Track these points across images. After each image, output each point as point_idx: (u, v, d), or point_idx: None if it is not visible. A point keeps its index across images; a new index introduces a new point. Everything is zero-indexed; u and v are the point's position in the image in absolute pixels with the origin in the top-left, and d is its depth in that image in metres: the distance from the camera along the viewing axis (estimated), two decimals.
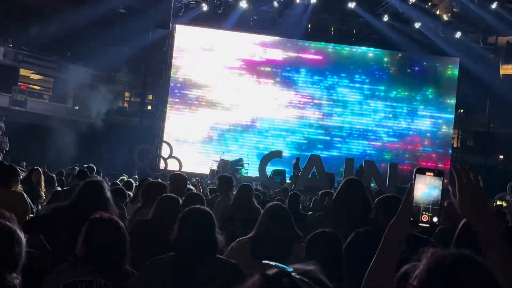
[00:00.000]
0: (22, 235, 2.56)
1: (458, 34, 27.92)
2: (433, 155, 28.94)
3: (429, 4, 28.13)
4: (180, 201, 4.53)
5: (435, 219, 1.61)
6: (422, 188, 1.62)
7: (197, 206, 3.32)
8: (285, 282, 1.16)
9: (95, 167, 9.12)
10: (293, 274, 1.19)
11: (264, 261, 1.22)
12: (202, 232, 3.09)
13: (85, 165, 9.34)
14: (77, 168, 12.86)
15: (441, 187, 1.62)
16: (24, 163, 17.69)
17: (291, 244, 3.72)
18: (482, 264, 1.29)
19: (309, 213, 8.57)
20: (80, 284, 3.00)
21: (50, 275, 3.09)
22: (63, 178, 10.67)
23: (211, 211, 3.28)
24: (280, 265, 1.21)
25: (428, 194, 1.62)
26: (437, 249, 1.32)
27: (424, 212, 1.61)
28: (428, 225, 1.61)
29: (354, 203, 4.20)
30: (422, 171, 1.64)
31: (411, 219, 1.61)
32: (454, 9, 28.32)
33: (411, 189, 1.63)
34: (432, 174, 1.63)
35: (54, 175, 10.15)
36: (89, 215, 3.23)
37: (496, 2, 25.99)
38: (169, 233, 4.16)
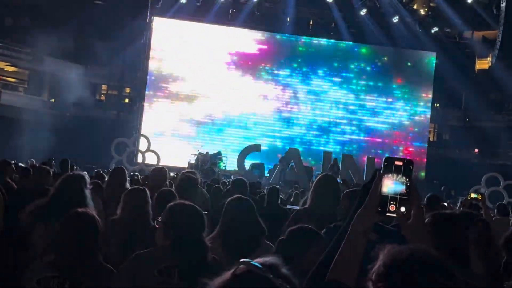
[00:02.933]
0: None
1: (434, 29, 28.18)
2: (410, 149, 29.24)
3: None
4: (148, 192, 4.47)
5: (402, 209, 1.60)
6: (391, 177, 1.62)
7: (187, 202, 3.28)
8: (252, 281, 1.24)
9: (69, 160, 8.98)
10: (262, 272, 1.25)
11: (242, 260, 1.30)
12: (193, 229, 3.08)
13: (58, 159, 9.20)
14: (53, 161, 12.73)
15: (410, 177, 1.62)
16: None
17: (259, 237, 3.73)
18: (438, 257, 1.30)
19: (287, 207, 8.60)
20: (52, 280, 2.97)
21: (26, 272, 3.06)
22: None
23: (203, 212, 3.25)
24: (254, 262, 1.27)
25: (396, 183, 1.61)
26: (393, 245, 1.33)
27: (391, 202, 1.60)
28: (395, 215, 1.61)
29: (327, 199, 4.24)
30: (390, 160, 1.64)
31: (378, 208, 1.61)
32: (431, 4, 28.56)
33: (379, 178, 1.62)
34: (401, 163, 1.62)
35: (30, 168, 9.98)
36: (66, 210, 3.19)
37: None
38: (139, 228, 4.12)
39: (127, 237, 4.05)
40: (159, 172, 6.50)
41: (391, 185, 1.61)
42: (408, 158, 1.65)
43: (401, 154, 28.35)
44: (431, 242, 1.57)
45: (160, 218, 3.13)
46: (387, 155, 1.78)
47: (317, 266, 1.85)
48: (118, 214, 4.31)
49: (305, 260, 2.61)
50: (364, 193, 1.70)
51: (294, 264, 1.57)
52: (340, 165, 23.23)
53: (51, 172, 6.57)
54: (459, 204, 8.42)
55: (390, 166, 1.63)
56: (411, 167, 1.62)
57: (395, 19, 27.60)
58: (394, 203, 1.61)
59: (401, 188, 1.61)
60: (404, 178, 1.62)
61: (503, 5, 24.01)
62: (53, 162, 12.69)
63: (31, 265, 3.12)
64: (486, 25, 28.43)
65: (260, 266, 1.27)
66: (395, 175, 1.62)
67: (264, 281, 1.24)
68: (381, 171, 1.63)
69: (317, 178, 4.52)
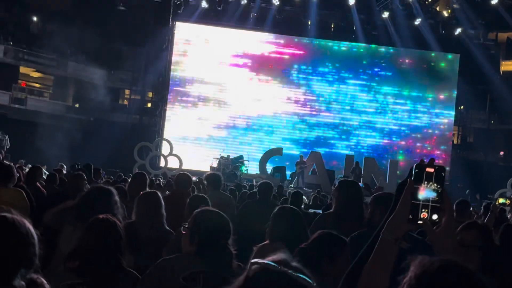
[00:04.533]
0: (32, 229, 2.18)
1: (458, 31, 27.85)
2: (434, 152, 28.91)
3: (429, 0, 28.07)
4: (161, 195, 4.51)
5: (434, 217, 1.58)
6: (422, 184, 1.60)
7: (214, 209, 3.27)
8: (268, 277, 1.28)
9: (92, 165, 9.09)
10: (275, 268, 1.28)
11: (253, 260, 1.32)
12: (221, 236, 3.08)
13: (82, 164, 9.31)
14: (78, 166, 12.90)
15: (442, 184, 1.60)
16: (23, 161, 17.69)
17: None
18: (470, 269, 1.28)
19: (310, 211, 8.57)
20: (76, 287, 2.97)
21: (50, 278, 3.06)
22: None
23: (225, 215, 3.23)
24: (265, 261, 1.31)
25: (428, 191, 1.59)
26: (424, 256, 1.32)
27: (423, 210, 1.59)
28: (427, 223, 1.59)
29: (352, 204, 4.21)
30: (421, 166, 1.62)
31: (410, 216, 1.59)
32: (454, 5, 28.24)
33: (410, 185, 1.61)
34: (432, 170, 1.60)
35: (56, 173, 10.12)
36: (93, 215, 3.22)
37: None
38: (155, 231, 4.13)
39: (142, 242, 4.07)
40: (184, 177, 6.56)
41: (422, 192, 1.60)
42: (440, 164, 1.63)
43: (424, 158, 28.03)
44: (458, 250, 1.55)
45: (186, 224, 3.14)
46: (415, 160, 1.77)
47: (346, 275, 1.84)
48: (133, 218, 4.37)
49: (331, 269, 2.58)
50: (397, 199, 1.68)
51: (318, 273, 1.57)
52: (362, 169, 23.11)
53: (85, 178, 6.61)
54: (482, 209, 8.28)
55: (421, 173, 1.61)
56: (443, 173, 1.61)
57: (418, 21, 27.33)
58: (426, 210, 1.59)
59: (433, 195, 1.59)
60: (435, 185, 1.60)
61: None
62: (77, 166, 12.87)
63: (55, 271, 3.10)
64: (510, 26, 28.01)
65: (272, 263, 1.30)
66: (426, 182, 1.60)
67: (279, 275, 1.27)
68: (412, 178, 1.62)
69: (340, 182, 4.49)
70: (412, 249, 1.42)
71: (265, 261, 1.30)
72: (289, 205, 3.96)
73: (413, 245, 1.64)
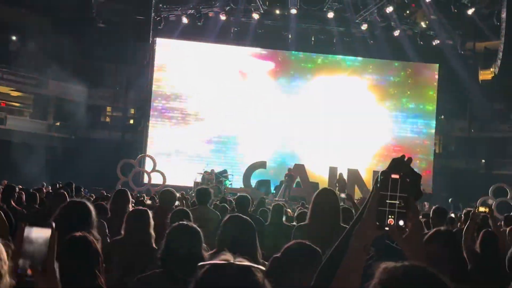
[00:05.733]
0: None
1: (436, 41, 28.24)
2: (416, 161, 29.13)
3: (407, 12, 28.46)
4: (151, 213, 4.48)
5: (401, 223, 1.59)
6: (388, 191, 1.60)
7: (185, 222, 3.27)
8: (217, 271, 1.38)
9: (73, 184, 9.01)
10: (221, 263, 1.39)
11: (199, 264, 1.43)
12: (190, 248, 3.06)
13: (63, 182, 9.22)
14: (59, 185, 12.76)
15: (406, 190, 1.60)
16: (6, 181, 17.45)
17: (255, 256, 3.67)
18: (433, 273, 1.29)
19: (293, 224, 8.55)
20: None
21: None
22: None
23: (198, 228, 3.24)
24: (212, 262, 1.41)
25: (394, 197, 1.60)
26: (389, 262, 1.32)
27: (389, 216, 1.59)
28: (394, 229, 1.60)
29: (326, 213, 4.21)
30: (387, 173, 1.63)
31: (377, 223, 1.60)
32: (432, 16, 28.64)
33: (376, 192, 1.62)
34: (397, 176, 1.61)
35: (36, 193, 10.00)
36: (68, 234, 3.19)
37: (473, 9, 26.34)
38: (142, 248, 4.10)
39: (129, 259, 4.04)
40: (167, 193, 6.56)
41: (388, 198, 1.61)
42: (407, 171, 1.64)
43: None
44: (427, 256, 1.56)
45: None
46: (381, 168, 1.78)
47: (314, 282, 1.84)
48: (122, 235, 4.32)
49: (303, 278, 2.57)
50: (365, 206, 1.69)
51: (290, 283, 1.58)
52: (346, 179, 23.19)
53: (66, 198, 6.56)
54: (463, 217, 8.34)
55: (386, 180, 1.62)
56: (408, 180, 1.61)
57: (396, 32, 27.66)
58: (392, 216, 1.60)
59: (399, 201, 1.60)
60: (401, 191, 1.61)
61: (503, 15, 24.06)
62: (58, 185, 12.74)
63: None
64: (487, 36, 28.48)
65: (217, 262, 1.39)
66: (391, 188, 1.61)
67: (227, 267, 1.35)
68: (378, 185, 1.63)
69: (316, 192, 4.46)
70: (380, 257, 1.42)
71: (211, 262, 1.38)
72: (237, 213, 3.92)
73: (386, 252, 1.64)
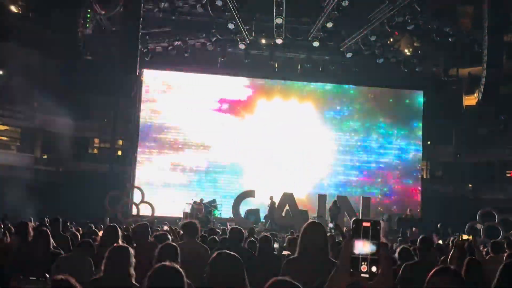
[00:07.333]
0: None
1: (420, 68, 28.62)
2: (404, 187, 29.26)
3: (391, 40, 28.87)
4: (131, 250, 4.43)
5: (373, 269, 1.63)
6: (360, 238, 1.65)
7: (167, 263, 3.20)
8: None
9: (60, 219, 8.95)
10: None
11: None
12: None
13: (50, 217, 9.16)
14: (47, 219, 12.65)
15: (378, 237, 1.65)
16: None
17: None
18: None
19: (283, 253, 8.52)
20: None
21: None
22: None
23: (181, 270, 3.21)
24: None
25: (366, 244, 1.65)
26: None
27: (363, 262, 1.63)
28: (367, 275, 1.63)
29: (315, 246, 4.22)
30: (358, 221, 1.68)
31: (351, 270, 1.64)
32: (415, 44, 29.07)
33: (349, 240, 1.66)
34: (368, 224, 1.67)
35: (21, 227, 9.90)
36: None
37: (455, 36, 26.76)
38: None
39: None
40: (141, 228, 6.55)
41: (361, 246, 1.65)
42: (375, 219, 1.70)
43: (392, 193, 28.44)
44: None
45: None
46: (356, 216, 1.83)
47: None
48: (101, 273, 4.25)
49: None
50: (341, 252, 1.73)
51: None
52: (340, 208, 23.20)
53: (49, 234, 6.54)
54: (450, 244, 8.38)
55: (358, 228, 1.67)
56: (379, 227, 1.67)
57: (381, 60, 28.01)
58: (365, 263, 1.64)
59: (371, 248, 1.65)
60: (372, 238, 1.66)
61: (485, 40, 24.40)
62: (46, 220, 12.63)
63: None
64: (470, 62, 28.90)
65: None
66: (363, 236, 1.66)
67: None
68: (350, 233, 1.67)
69: (304, 226, 4.46)
70: None
71: None
72: (225, 250, 3.91)
73: None
